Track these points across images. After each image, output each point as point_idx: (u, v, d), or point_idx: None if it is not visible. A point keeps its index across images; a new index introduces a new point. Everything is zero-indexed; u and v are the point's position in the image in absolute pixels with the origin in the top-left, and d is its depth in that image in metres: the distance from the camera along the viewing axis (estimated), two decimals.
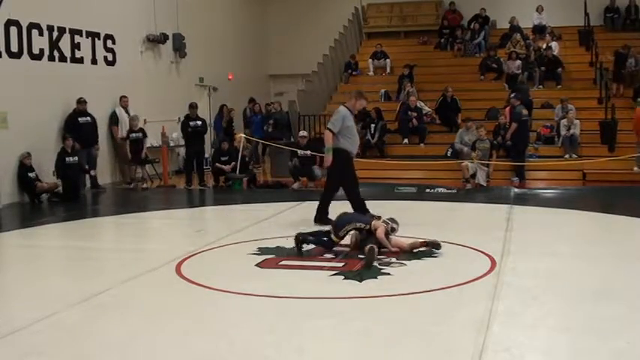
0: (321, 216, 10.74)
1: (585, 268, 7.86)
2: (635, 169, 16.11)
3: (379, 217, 8.91)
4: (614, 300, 6.53)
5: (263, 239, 9.55)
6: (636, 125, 16.44)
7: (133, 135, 16.94)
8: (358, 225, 8.67)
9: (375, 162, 17.13)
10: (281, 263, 8.14)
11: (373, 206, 10.76)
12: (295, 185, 16.19)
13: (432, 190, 14.73)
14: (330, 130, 10.59)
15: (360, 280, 7.28)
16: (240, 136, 17.40)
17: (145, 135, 17.13)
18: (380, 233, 8.50)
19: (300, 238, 8.81)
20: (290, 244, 9.07)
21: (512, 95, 17.20)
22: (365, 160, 16.95)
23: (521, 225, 10.64)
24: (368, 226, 8.62)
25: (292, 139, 18.60)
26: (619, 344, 5.30)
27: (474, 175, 15.67)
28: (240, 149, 16.63)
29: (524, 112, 16.77)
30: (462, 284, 7.11)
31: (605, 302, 6.45)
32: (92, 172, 16.14)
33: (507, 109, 17.17)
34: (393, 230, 8.70)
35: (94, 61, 16.89)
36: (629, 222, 10.97)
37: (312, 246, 8.80)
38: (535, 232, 10.19)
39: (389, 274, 7.62)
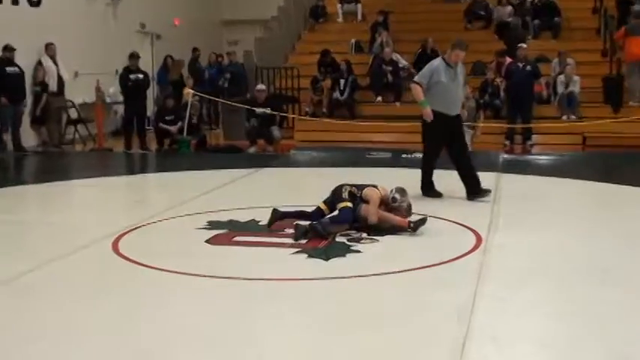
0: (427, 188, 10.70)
1: (583, 246, 7.92)
2: None
3: (375, 186, 8.74)
4: (615, 281, 6.60)
5: (214, 211, 9.54)
6: (617, 39, 17.42)
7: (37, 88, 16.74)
8: (352, 189, 8.61)
9: (344, 123, 17.13)
10: (235, 239, 8.13)
11: (343, 173, 10.76)
12: (251, 149, 16.20)
13: (410, 156, 14.66)
14: (415, 82, 10.56)
15: (326, 259, 7.31)
16: (188, 91, 17.28)
17: (44, 90, 16.79)
18: (371, 208, 8.41)
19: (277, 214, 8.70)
20: (244, 216, 9.14)
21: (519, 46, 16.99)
22: (333, 121, 17.14)
23: (510, 196, 10.71)
24: (360, 193, 8.60)
25: (248, 96, 18.52)
26: (620, 331, 5.36)
27: None
28: (189, 107, 16.52)
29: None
30: (442, 263, 7.16)
31: (604, 284, 6.52)
32: (5, 136, 15.91)
33: (495, 63, 17.20)
34: (395, 201, 8.51)
35: (14, 2, 16.62)
36: (633, 192, 11.08)
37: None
38: (526, 204, 10.22)
39: (359, 251, 7.62)
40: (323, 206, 8.64)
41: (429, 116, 10.34)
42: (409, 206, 8.63)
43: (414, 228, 8.27)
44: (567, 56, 18.02)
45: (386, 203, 8.55)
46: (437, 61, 10.62)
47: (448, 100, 10.42)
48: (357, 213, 8.48)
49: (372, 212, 8.42)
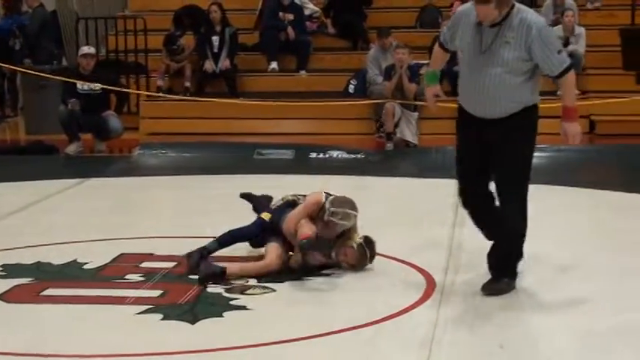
0: None
1: (587, 291, 8.00)
2: None
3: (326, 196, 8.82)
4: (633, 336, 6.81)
5: (11, 249, 9.55)
6: None
7: None
8: (294, 197, 9.01)
9: (222, 103, 17.20)
10: (44, 294, 8.10)
11: (218, 184, 10.87)
12: (72, 147, 16.22)
13: (322, 155, 14.99)
14: (438, 40, 8.74)
15: (193, 322, 7.32)
16: None
17: None
18: (293, 213, 8.71)
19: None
20: (61, 256, 9.11)
21: None
22: (200, 102, 17.27)
23: None
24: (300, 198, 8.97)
25: (65, 63, 18.49)
26: None
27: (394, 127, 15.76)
28: None
29: None
30: (371, 323, 7.16)
31: (619, 340, 6.73)
32: None
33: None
34: (333, 222, 8.45)
35: None
36: None
37: None
38: None
39: (244, 307, 7.67)
40: (267, 216, 8.99)
41: (430, 104, 8.93)
42: (348, 228, 8.58)
43: (305, 245, 8.34)
44: None
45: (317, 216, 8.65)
46: (467, 6, 8.27)
47: (468, 86, 8.31)
48: (282, 224, 8.76)
49: (290, 218, 8.65)
